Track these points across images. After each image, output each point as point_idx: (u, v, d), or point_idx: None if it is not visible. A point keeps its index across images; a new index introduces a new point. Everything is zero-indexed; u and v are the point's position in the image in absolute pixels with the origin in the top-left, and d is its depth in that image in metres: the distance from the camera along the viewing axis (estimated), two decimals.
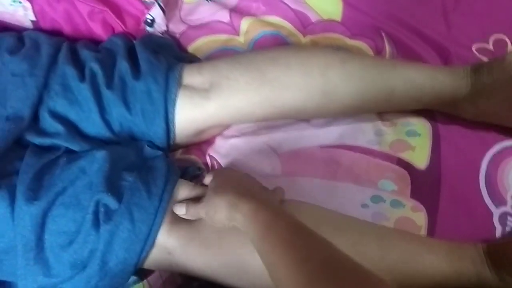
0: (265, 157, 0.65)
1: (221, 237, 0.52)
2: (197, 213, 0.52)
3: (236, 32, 0.73)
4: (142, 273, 0.58)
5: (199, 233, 0.52)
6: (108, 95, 0.58)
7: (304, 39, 0.73)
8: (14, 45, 0.62)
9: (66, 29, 0.69)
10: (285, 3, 0.74)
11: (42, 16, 0.68)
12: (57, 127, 0.57)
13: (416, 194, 0.61)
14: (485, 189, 0.62)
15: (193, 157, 0.66)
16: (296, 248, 0.40)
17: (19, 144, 0.58)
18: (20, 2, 0.67)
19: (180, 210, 0.53)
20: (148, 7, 0.68)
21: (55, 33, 0.68)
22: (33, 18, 0.68)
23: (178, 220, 0.53)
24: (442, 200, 0.61)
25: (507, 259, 0.53)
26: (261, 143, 0.66)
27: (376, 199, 0.61)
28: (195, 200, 0.53)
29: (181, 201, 0.54)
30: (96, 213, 0.52)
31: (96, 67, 0.59)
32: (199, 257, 0.52)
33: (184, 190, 0.56)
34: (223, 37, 0.72)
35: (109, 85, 0.59)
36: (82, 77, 0.59)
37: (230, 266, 0.52)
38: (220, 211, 0.48)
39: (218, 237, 0.52)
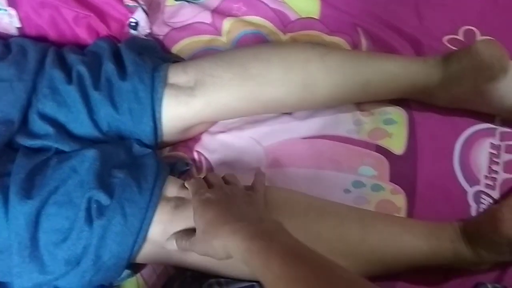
0: (250, 150, 0.67)
1: None
2: (191, 249, 0.51)
3: (218, 32, 0.75)
4: (135, 267, 0.59)
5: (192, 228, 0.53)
6: (96, 96, 0.60)
7: (285, 37, 0.75)
8: (1, 51, 0.64)
9: (52, 34, 0.70)
10: (264, 3, 0.77)
11: (27, 22, 0.69)
12: (47, 128, 0.59)
13: (394, 178, 0.64)
14: (460, 170, 0.65)
15: (180, 153, 0.68)
16: (293, 276, 0.40)
17: (10, 147, 0.59)
18: (5, 10, 0.68)
19: (171, 245, 0.52)
20: (131, 11, 0.70)
21: (41, 39, 0.69)
22: (19, 25, 0.69)
23: (174, 218, 0.54)
24: (419, 182, 0.64)
25: (481, 235, 0.56)
26: (246, 137, 0.68)
27: (358, 184, 0.64)
28: (185, 232, 0.52)
29: (171, 236, 0.53)
30: (88, 210, 0.53)
31: (83, 69, 0.61)
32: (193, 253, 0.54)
33: (173, 187, 0.57)
34: (206, 37, 0.75)
35: (96, 87, 0.60)
36: (69, 80, 0.61)
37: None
38: (215, 254, 0.48)
39: None
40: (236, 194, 0.52)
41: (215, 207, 0.49)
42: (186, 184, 0.55)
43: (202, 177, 0.57)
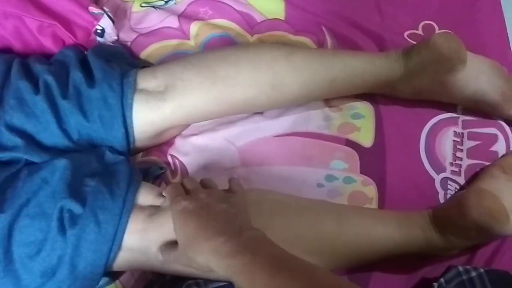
0: (224, 151, 0.68)
1: None
2: (176, 262, 0.51)
3: (186, 36, 0.76)
4: (113, 274, 0.59)
5: (170, 235, 0.52)
6: (64, 105, 0.59)
7: (252, 39, 0.77)
8: None
9: (16, 45, 0.69)
10: (230, 6, 0.78)
11: None
12: (16, 140, 0.58)
13: (365, 169, 0.66)
14: (426, 159, 0.68)
15: (154, 158, 0.68)
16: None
17: None
18: None
19: (159, 257, 0.52)
20: (97, 18, 0.70)
21: (5, 51, 0.68)
22: None
23: (149, 227, 0.53)
24: (388, 173, 0.66)
25: (450, 221, 0.59)
26: (219, 138, 0.69)
27: (330, 178, 0.66)
28: (168, 245, 0.52)
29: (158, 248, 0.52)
30: (61, 220, 0.52)
31: (49, 79, 0.60)
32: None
33: (148, 195, 0.56)
34: (174, 42, 0.75)
35: (65, 96, 0.60)
36: (36, 90, 0.60)
37: None
38: (198, 268, 0.48)
39: None
40: (214, 199, 0.51)
41: (193, 219, 0.48)
42: (163, 193, 0.55)
43: (179, 182, 0.56)
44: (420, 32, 0.77)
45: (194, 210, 0.49)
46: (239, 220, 0.49)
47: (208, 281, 0.54)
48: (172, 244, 0.51)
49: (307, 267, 0.42)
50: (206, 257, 0.45)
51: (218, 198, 0.51)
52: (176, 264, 0.52)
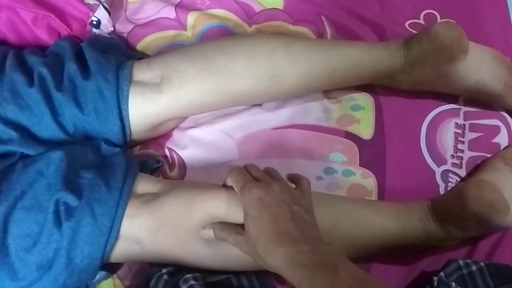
0: (222, 144, 0.67)
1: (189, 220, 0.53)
2: (234, 244, 0.50)
3: (183, 27, 0.75)
4: (111, 268, 0.59)
5: (165, 220, 0.53)
6: (59, 98, 0.59)
7: (250, 29, 0.75)
8: None
9: (11, 37, 0.68)
10: None
11: None
12: (10, 133, 0.57)
13: (364, 162, 0.66)
14: (426, 152, 0.67)
15: (151, 151, 0.67)
16: None
17: None
18: None
19: (206, 234, 0.52)
20: (92, 9, 0.69)
21: (0, 43, 0.68)
22: None
23: (139, 211, 0.54)
24: (388, 165, 0.65)
25: (449, 212, 0.58)
26: (217, 131, 0.68)
27: (329, 170, 0.65)
28: (226, 224, 0.51)
29: (209, 225, 0.52)
30: (57, 212, 0.52)
31: (44, 71, 0.60)
32: (169, 244, 0.53)
33: (145, 184, 0.56)
34: (171, 33, 0.74)
35: (59, 88, 0.59)
36: (31, 83, 0.59)
37: (201, 248, 0.53)
38: (263, 265, 0.46)
39: (186, 220, 0.53)
40: (288, 197, 0.49)
41: (268, 214, 0.46)
42: (229, 178, 0.52)
43: (243, 167, 0.53)
44: (421, 21, 0.76)
45: (270, 205, 0.47)
46: (312, 230, 0.47)
47: (205, 275, 0.54)
48: (230, 225, 0.50)
49: None
50: (279, 262, 0.44)
51: (292, 197, 0.49)
52: (170, 252, 0.52)
